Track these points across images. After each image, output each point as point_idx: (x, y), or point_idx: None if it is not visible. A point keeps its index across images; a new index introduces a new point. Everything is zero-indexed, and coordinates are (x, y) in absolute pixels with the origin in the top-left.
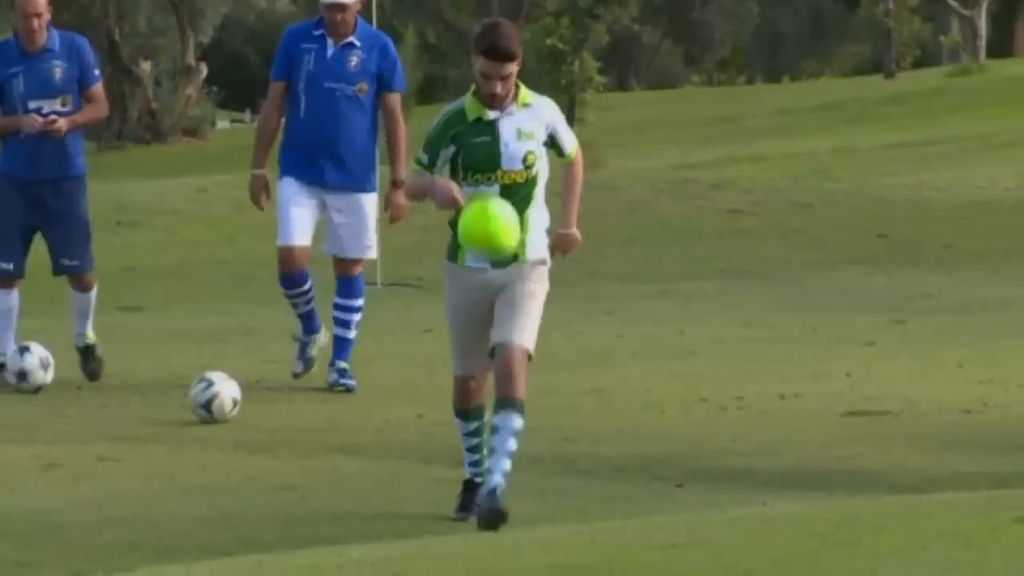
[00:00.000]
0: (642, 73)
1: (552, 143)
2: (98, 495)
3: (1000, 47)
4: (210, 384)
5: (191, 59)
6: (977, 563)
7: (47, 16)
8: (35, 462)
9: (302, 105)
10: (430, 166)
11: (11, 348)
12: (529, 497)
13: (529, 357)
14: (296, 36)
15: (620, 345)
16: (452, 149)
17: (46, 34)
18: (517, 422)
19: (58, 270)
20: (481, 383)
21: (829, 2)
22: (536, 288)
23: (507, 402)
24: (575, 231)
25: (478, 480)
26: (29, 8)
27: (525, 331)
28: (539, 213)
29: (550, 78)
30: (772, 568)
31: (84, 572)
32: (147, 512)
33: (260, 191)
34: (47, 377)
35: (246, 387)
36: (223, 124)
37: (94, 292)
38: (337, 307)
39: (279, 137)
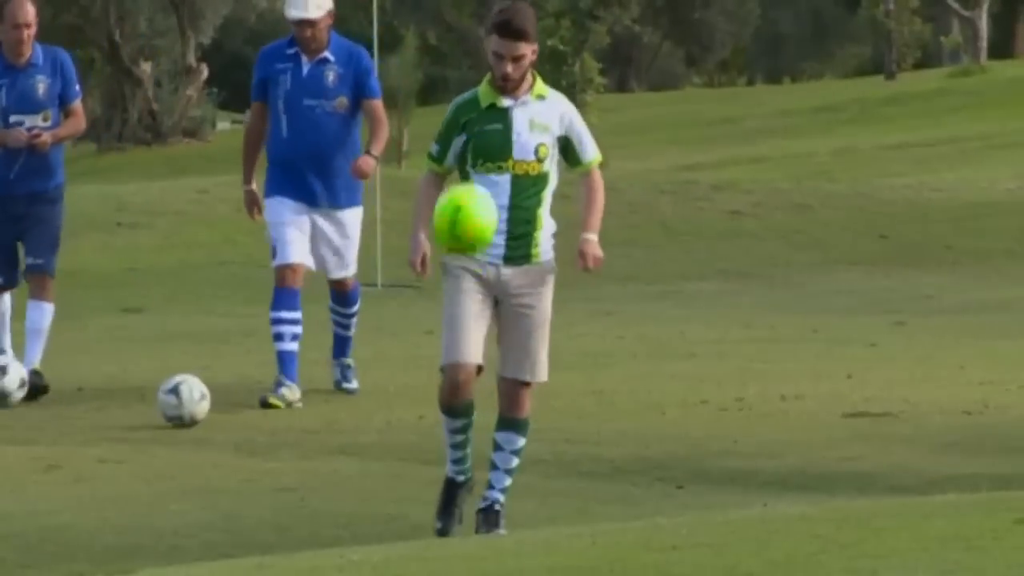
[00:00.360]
0: (643, 74)
1: (566, 147)
2: (98, 497)
3: (1001, 48)
4: (175, 379)
5: (192, 60)
6: (978, 564)
7: (34, 29)
8: (36, 464)
9: (283, 125)
10: (440, 159)
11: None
12: (530, 498)
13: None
14: (270, 57)
15: (621, 346)
16: (463, 138)
17: (31, 49)
18: (520, 442)
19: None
20: (470, 377)
21: (830, 3)
22: (545, 313)
23: (512, 422)
24: (595, 238)
25: (460, 480)
26: (20, 19)
27: (539, 364)
28: (548, 217)
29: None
30: (773, 569)
31: (85, 574)
32: (148, 514)
33: (252, 206)
34: (22, 396)
35: (247, 388)
36: (223, 125)
37: (51, 308)
38: (334, 311)
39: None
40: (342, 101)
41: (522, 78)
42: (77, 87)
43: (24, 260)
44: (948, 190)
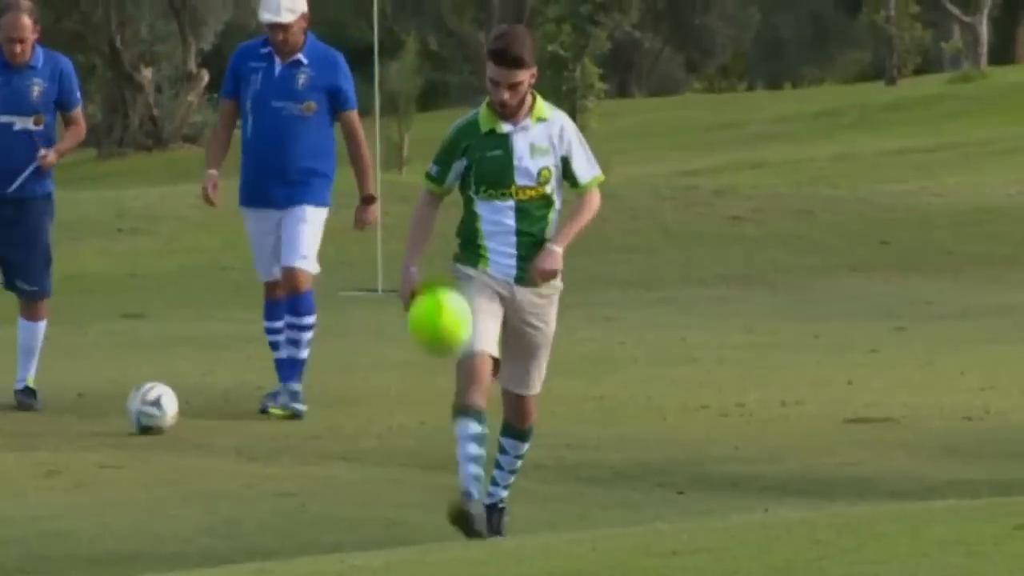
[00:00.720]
0: (643, 80)
1: (565, 168)
2: (99, 502)
3: (1001, 54)
4: (156, 391)
5: (192, 66)
6: (978, 570)
7: (32, 39)
8: (36, 469)
9: (250, 125)
10: (440, 180)
11: None
12: (530, 504)
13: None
14: (245, 54)
15: (621, 352)
16: (464, 163)
17: (30, 53)
18: (524, 447)
19: (9, 287)
20: (486, 372)
21: (830, 8)
22: (550, 333)
23: (517, 431)
24: (559, 252)
25: (474, 497)
26: (14, 33)
27: (542, 379)
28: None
29: (552, 85)
30: (773, 575)
31: None
32: (148, 519)
33: (210, 188)
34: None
35: (247, 394)
36: None
37: (44, 324)
38: (288, 326)
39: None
40: (310, 105)
41: (521, 103)
42: (78, 95)
43: (11, 279)
44: (949, 195)
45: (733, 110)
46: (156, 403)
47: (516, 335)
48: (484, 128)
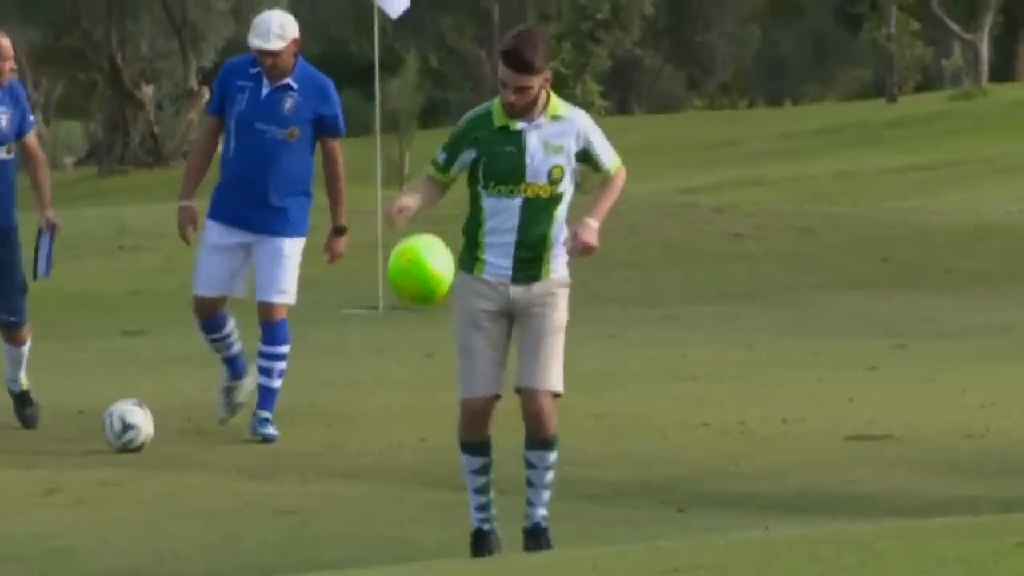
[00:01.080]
0: (644, 97)
1: (587, 158)
2: (99, 520)
3: (1002, 71)
4: (111, 424)
5: (193, 83)
6: None
7: (9, 64)
8: (37, 487)
9: (232, 146)
10: (445, 168)
11: None
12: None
13: (558, 394)
14: (233, 72)
15: (622, 369)
16: (474, 154)
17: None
18: (551, 457)
19: None
20: (490, 410)
21: (831, 26)
22: (559, 320)
23: (540, 441)
24: (597, 225)
25: (486, 528)
26: (4, 52)
27: (551, 373)
28: (561, 234)
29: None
30: None
31: None
32: (148, 536)
33: (187, 223)
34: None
35: (247, 412)
36: None
37: (28, 344)
38: (261, 355)
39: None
40: (294, 131)
41: (529, 106)
42: (32, 117)
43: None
44: (949, 213)
45: (734, 127)
46: (127, 428)
47: (522, 324)
48: (497, 123)
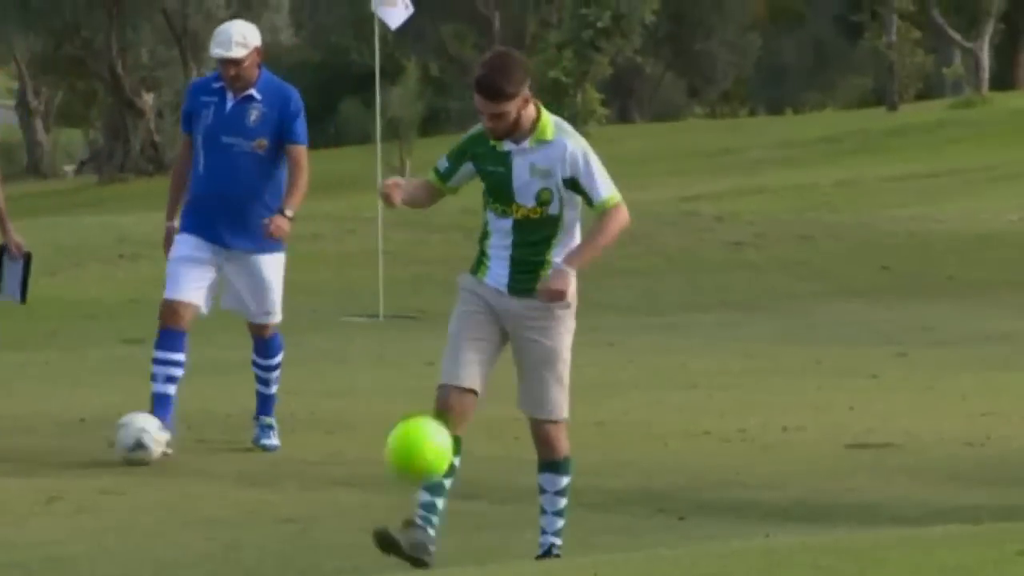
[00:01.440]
0: (645, 105)
1: (575, 188)
2: (100, 528)
3: (1003, 79)
4: (124, 437)
5: None
6: None
7: None
8: (37, 495)
9: (201, 161)
10: (446, 177)
11: None
12: (531, 530)
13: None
14: (198, 89)
15: (623, 377)
16: (473, 169)
17: None
18: (562, 481)
19: None
20: (466, 407)
21: (832, 34)
22: (554, 347)
23: (550, 464)
24: (571, 273)
25: (418, 523)
26: None
27: (548, 402)
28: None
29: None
30: None
31: None
32: (149, 545)
33: (170, 244)
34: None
35: (248, 420)
36: None
37: None
38: (255, 364)
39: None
40: (261, 142)
41: (511, 129)
42: None
43: None
44: (950, 221)
45: (734, 136)
46: (138, 446)
47: (518, 349)
48: (491, 142)
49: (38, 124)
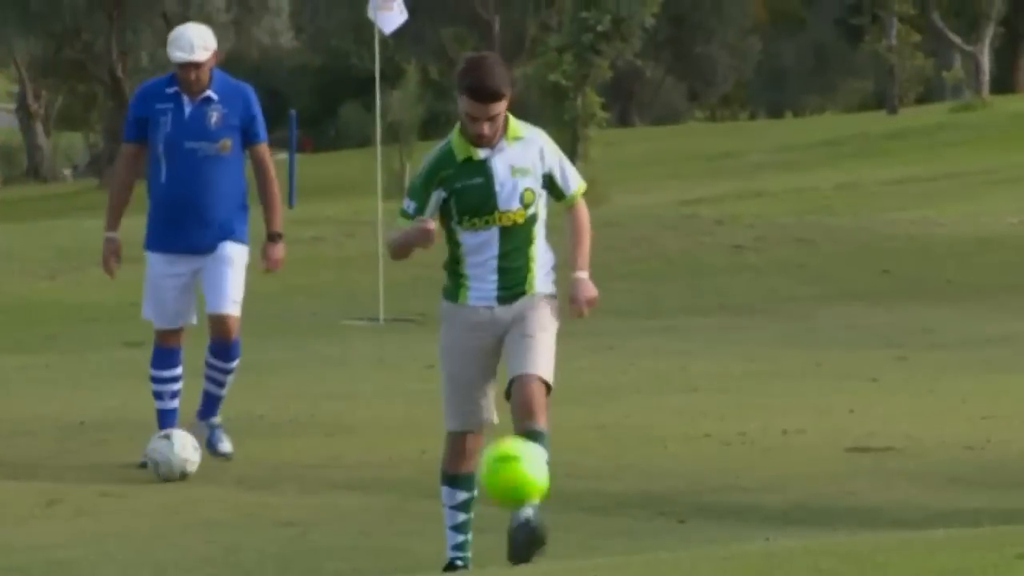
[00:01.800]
0: (645, 109)
1: (550, 184)
2: (100, 531)
3: (1003, 83)
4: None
5: None
6: None
7: None
8: (37, 498)
9: (163, 170)
10: (416, 216)
11: None
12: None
13: (548, 389)
14: (148, 96)
15: (623, 381)
16: (443, 194)
17: None
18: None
19: None
20: (477, 443)
21: (832, 38)
22: (548, 321)
23: (530, 436)
24: (587, 277)
25: (459, 564)
26: None
27: (541, 362)
28: (543, 251)
29: (553, 114)
30: None
31: None
32: (149, 548)
33: (110, 256)
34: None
35: (248, 423)
36: None
37: None
38: (210, 365)
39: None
40: (225, 144)
41: (503, 123)
42: None
43: None
44: (950, 225)
45: (734, 139)
46: (184, 475)
47: (511, 331)
48: (460, 156)
49: (38, 127)
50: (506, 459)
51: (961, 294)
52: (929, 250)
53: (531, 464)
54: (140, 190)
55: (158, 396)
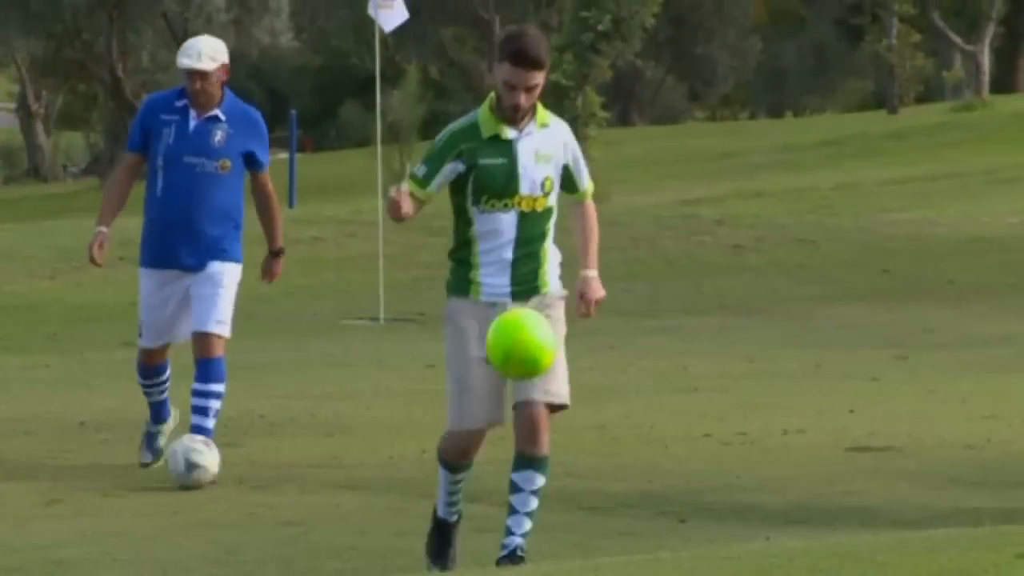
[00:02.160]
0: (645, 108)
1: (565, 176)
2: (101, 531)
3: (1003, 82)
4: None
5: None
6: None
7: None
8: (38, 498)
9: (159, 182)
10: (425, 181)
11: None
12: (532, 533)
13: (562, 407)
14: (156, 106)
15: (623, 380)
16: (461, 167)
17: None
18: (539, 481)
19: None
20: (481, 439)
21: (832, 38)
22: (560, 327)
23: (530, 460)
24: (596, 276)
25: (453, 520)
26: None
27: (551, 385)
28: (554, 250)
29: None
30: None
31: None
32: (150, 548)
33: (95, 244)
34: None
35: (249, 423)
36: None
37: None
38: (195, 393)
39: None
40: (225, 163)
41: (533, 107)
42: None
43: None
44: (950, 225)
45: (735, 139)
46: (192, 467)
47: None
48: (486, 133)
49: (39, 127)
50: (514, 327)
51: (961, 294)
52: (929, 250)
53: (538, 330)
54: (139, 190)
55: (148, 395)
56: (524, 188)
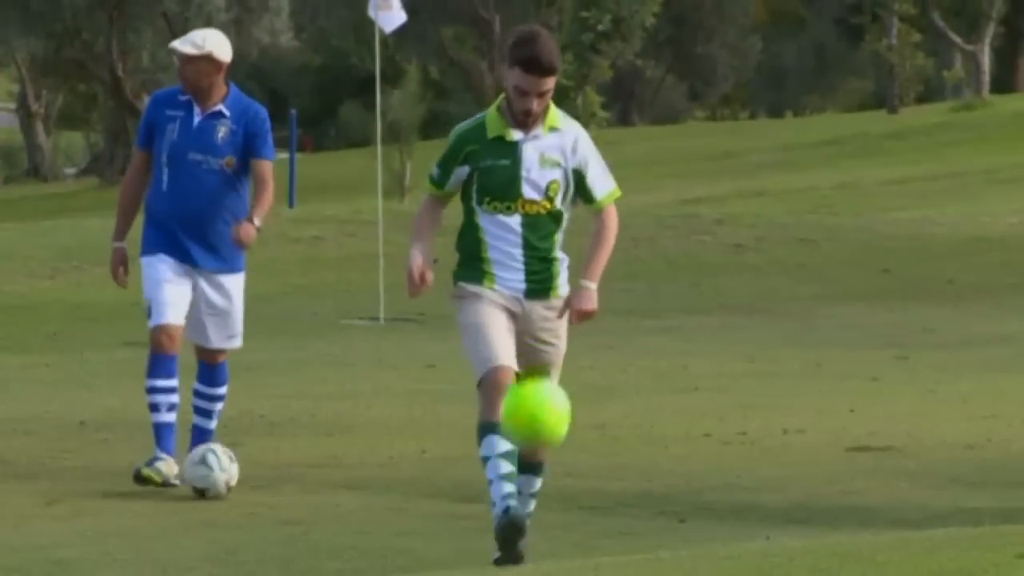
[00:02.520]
0: (645, 108)
1: (579, 184)
2: (101, 531)
3: (1003, 82)
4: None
5: None
6: None
7: None
8: (38, 498)
9: (164, 178)
10: (441, 183)
11: None
12: (531, 532)
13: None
14: (161, 102)
15: (623, 380)
16: (466, 169)
17: None
18: (537, 483)
19: None
20: (509, 379)
21: (832, 37)
22: (564, 346)
23: (529, 465)
24: (594, 288)
25: (513, 509)
26: None
27: None
28: (563, 253)
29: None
30: None
31: None
32: (150, 548)
33: (118, 266)
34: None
35: (249, 422)
36: None
37: None
38: (198, 394)
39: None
40: (230, 160)
41: (544, 110)
42: None
43: None
44: (950, 224)
45: (735, 139)
46: (202, 461)
47: (527, 353)
48: (492, 134)
49: (39, 127)
50: (529, 394)
51: (961, 293)
52: (929, 250)
53: (554, 399)
54: None
55: (154, 408)
56: (526, 191)
